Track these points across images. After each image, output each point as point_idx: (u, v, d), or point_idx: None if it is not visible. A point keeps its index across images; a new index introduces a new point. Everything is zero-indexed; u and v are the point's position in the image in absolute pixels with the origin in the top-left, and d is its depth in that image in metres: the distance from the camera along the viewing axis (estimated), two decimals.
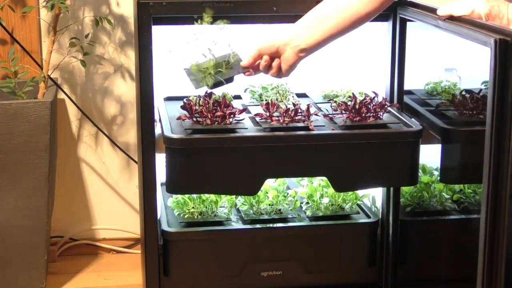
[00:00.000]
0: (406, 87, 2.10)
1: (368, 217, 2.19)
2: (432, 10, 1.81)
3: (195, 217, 2.13)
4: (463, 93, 2.09)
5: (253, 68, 1.90)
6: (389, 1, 1.88)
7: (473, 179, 2.05)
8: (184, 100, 2.02)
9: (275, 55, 1.88)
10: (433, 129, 2.02)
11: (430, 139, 2.03)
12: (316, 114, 1.98)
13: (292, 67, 1.88)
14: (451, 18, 1.69)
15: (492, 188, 1.46)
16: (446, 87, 2.21)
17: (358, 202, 2.23)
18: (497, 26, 1.51)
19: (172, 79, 2.28)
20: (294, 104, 2.01)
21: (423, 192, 2.20)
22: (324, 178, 2.16)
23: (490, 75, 1.42)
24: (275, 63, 1.88)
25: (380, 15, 2.08)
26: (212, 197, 2.14)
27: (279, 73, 1.89)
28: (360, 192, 2.23)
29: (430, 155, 2.13)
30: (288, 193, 2.20)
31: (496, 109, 1.42)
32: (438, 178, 2.23)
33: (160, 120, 2.04)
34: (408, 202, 2.20)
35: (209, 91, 1.98)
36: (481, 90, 2.04)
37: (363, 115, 1.94)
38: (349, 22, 1.87)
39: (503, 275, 1.50)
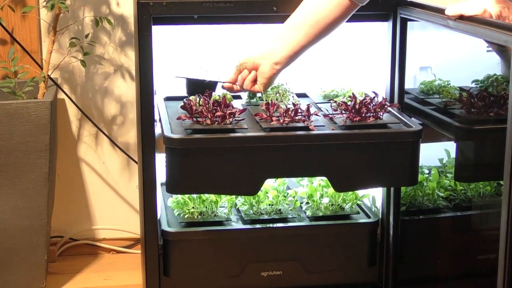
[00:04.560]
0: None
1: (368, 217, 2.19)
2: (437, 10, 1.80)
3: (195, 217, 2.13)
4: (467, 91, 2.09)
5: (238, 84, 1.99)
6: (355, 6, 1.90)
7: (490, 177, 2.05)
8: (184, 100, 2.02)
9: (253, 69, 1.95)
10: (442, 128, 2.02)
11: (434, 138, 2.03)
12: (316, 114, 1.98)
13: (269, 80, 1.95)
14: (462, 18, 1.67)
15: None
16: (442, 86, 2.21)
17: (358, 202, 2.23)
18: None
19: (172, 79, 2.28)
20: (294, 104, 2.01)
21: (416, 191, 2.20)
22: (324, 178, 2.16)
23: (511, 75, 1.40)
24: (250, 76, 1.95)
25: (380, 15, 2.09)
26: (212, 197, 2.14)
27: (256, 90, 1.97)
28: (360, 192, 2.23)
29: (423, 154, 2.13)
30: (288, 193, 2.20)
31: None
32: (430, 176, 2.23)
33: (160, 120, 2.04)
34: (402, 201, 2.21)
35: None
36: (486, 88, 2.04)
37: (363, 115, 1.94)
38: (317, 31, 1.90)
39: None
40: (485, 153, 1.96)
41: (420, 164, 2.26)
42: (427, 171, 2.29)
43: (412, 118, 2.03)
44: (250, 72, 1.96)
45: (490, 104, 1.94)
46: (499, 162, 1.46)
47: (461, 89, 2.13)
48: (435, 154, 2.31)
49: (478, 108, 1.98)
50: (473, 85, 2.09)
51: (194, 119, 1.92)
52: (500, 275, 1.50)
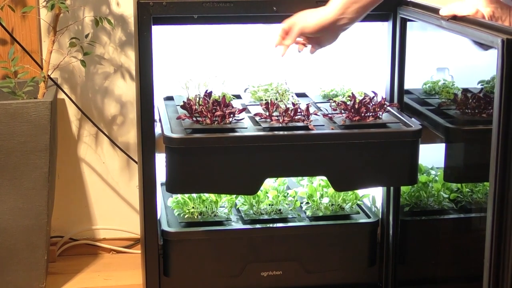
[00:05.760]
0: (405, 86, 2.10)
1: (368, 217, 2.19)
2: (434, 10, 1.81)
3: (195, 217, 2.13)
4: (465, 92, 2.09)
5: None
6: None
7: (478, 178, 2.05)
8: (184, 99, 2.02)
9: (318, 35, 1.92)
10: (435, 128, 2.02)
11: (431, 139, 2.03)
12: (316, 114, 1.98)
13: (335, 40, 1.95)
14: (455, 18, 1.69)
15: (499, 186, 1.45)
16: (444, 86, 2.21)
17: (358, 202, 2.23)
18: (504, 26, 1.51)
19: (172, 79, 2.28)
20: (293, 104, 2.01)
21: (421, 192, 2.20)
22: (324, 178, 2.16)
23: (497, 75, 1.42)
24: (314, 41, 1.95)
25: (380, 15, 2.09)
26: (212, 197, 2.14)
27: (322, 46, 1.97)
28: (360, 192, 2.23)
29: (427, 155, 2.13)
30: (288, 193, 2.20)
31: (503, 108, 1.42)
32: (436, 177, 2.23)
33: (160, 120, 2.04)
34: (406, 201, 2.20)
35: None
36: (482, 89, 2.04)
37: (363, 114, 1.95)
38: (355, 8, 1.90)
39: (510, 274, 1.49)
40: (474, 154, 1.96)
41: (431, 166, 2.27)
42: (434, 172, 2.28)
43: (412, 118, 2.03)
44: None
45: (482, 105, 1.94)
46: (488, 163, 1.47)
47: (464, 90, 2.13)
48: None
49: (471, 109, 1.98)
50: (479, 85, 2.09)
51: (194, 119, 1.92)
52: (485, 276, 1.51)
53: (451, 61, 2.29)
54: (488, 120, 1.48)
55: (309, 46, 1.98)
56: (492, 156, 1.45)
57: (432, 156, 2.19)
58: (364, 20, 2.09)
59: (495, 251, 1.48)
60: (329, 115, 2.01)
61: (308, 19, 1.91)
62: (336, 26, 1.91)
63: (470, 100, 2.00)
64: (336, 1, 1.91)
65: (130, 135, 2.55)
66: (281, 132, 1.88)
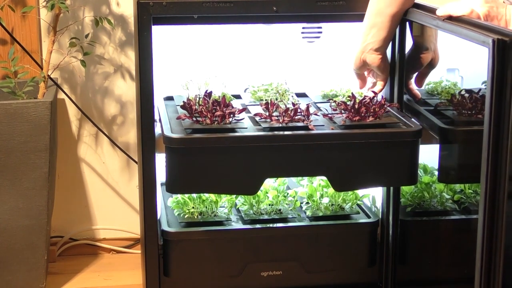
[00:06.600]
0: None
1: (368, 217, 2.19)
2: (431, 10, 1.81)
3: (195, 217, 2.13)
4: (462, 92, 2.09)
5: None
6: None
7: (472, 179, 2.05)
8: (184, 100, 2.02)
9: (366, 66, 2.05)
10: (432, 129, 2.03)
11: (430, 139, 2.03)
12: (316, 114, 1.98)
13: (383, 65, 2.02)
14: (450, 18, 1.69)
15: (490, 188, 1.46)
16: (447, 87, 2.21)
17: (358, 202, 2.23)
18: (496, 26, 1.52)
19: (172, 79, 2.28)
20: (293, 104, 2.01)
21: (424, 192, 2.20)
22: (324, 178, 2.16)
23: (488, 75, 1.43)
24: (370, 73, 2.08)
25: None
26: (212, 197, 2.14)
27: (383, 77, 2.06)
28: (360, 192, 2.23)
29: (432, 155, 2.13)
30: (288, 193, 2.20)
31: (494, 109, 1.43)
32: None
33: (160, 120, 2.04)
34: (409, 202, 2.20)
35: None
36: (480, 89, 2.04)
37: (363, 114, 1.94)
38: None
39: (501, 276, 1.50)
40: (467, 155, 1.96)
41: (437, 167, 2.26)
42: (437, 173, 2.28)
43: (412, 118, 2.03)
44: (368, 71, 2.07)
45: (479, 106, 1.94)
46: (480, 164, 1.47)
47: (468, 91, 2.13)
48: None
49: (467, 109, 1.98)
50: (483, 86, 2.09)
51: (194, 119, 1.92)
52: (477, 276, 1.51)
53: (455, 61, 2.29)
54: (482, 121, 1.49)
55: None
56: (483, 157, 1.45)
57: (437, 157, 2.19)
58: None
59: (486, 252, 1.49)
60: (329, 115, 2.01)
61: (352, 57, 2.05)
62: (369, 52, 2.00)
63: (467, 101, 2.00)
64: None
65: (130, 135, 2.56)
66: (281, 132, 1.88)
